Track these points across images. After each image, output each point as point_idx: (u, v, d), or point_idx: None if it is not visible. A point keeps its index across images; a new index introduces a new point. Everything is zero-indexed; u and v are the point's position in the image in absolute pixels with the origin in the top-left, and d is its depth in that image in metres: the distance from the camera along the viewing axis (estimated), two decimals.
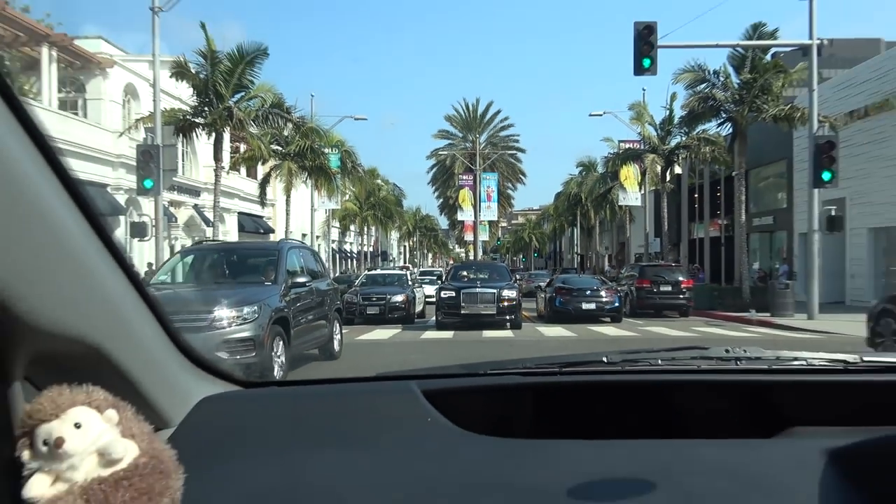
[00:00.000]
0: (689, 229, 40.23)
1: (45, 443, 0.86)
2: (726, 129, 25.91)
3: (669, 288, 21.97)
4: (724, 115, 24.67)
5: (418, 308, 22.17)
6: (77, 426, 0.87)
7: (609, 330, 17.26)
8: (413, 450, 1.20)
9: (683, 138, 30.08)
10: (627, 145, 35.21)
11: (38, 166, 0.80)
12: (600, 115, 33.90)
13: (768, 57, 24.02)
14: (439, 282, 23.61)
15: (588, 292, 19.97)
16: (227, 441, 1.20)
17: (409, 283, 22.89)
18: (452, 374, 1.60)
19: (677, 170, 35.61)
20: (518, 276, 26.36)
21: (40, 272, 0.83)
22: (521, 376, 1.53)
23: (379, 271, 28.99)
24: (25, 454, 0.87)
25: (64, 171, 0.84)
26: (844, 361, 1.51)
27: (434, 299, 21.81)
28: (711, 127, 27.34)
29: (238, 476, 1.09)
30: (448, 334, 16.25)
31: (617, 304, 19.90)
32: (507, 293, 17.65)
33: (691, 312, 21.91)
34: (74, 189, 0.87)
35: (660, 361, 1.56)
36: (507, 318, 17.51)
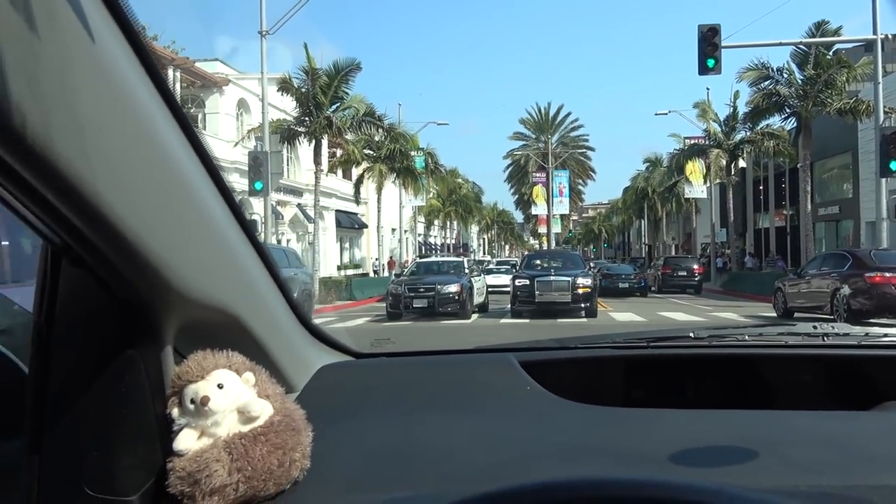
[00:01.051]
0: (755, 220, 38.45)
1: (192, 401, 0.87)
2: (790, 124, 24.60)
3: (685, 273, 28.27)
4: (787, 111, 23.43)
5: (478, 300, 18.11)
6: (220, 386, 0.88)
7: (679, 316, 16.65)
8: (515, 415, 1.17)
9: (747, 133, 28.86)
10: (693, 141, 33.96)
11: (191, 157, 0.81)
12: (665, 113, 32.78)
13: (831, 53, 22.60)
14: (514, 270, 23.04)
15: (623, 275, 26.25)
16: (346, 404, 1.21)
17: (466, 271, 18.39)
18: (546, 347, 1.57)
19: (741, 163, 34.11)
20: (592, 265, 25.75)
21: (192, 249, 0.85)
22: (611, 349, 1.48)
23: (433, 258, 26.88)
24: (175, 411, 0.88)
25: (210, 162, 0.85)
26: None
27: (503, 289, 21.94)
28: (775, 122, 26.11)
29: (357, 434, 1.09)
30: (524, 321, 15.87)
31: (643, 284, 26.34)
32: (581, 281, 16.33)
33: (718, 292, 26.63)
34: (218, 178, 0.88)
35: (746, 337, 1.47)
36: (582, 305, 16.20)
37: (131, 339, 0.84)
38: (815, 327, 1.49)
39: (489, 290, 23.08)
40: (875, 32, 17.32)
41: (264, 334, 1.06)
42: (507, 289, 22.38)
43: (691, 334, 1.48)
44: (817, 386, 1.43)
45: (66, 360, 0.84)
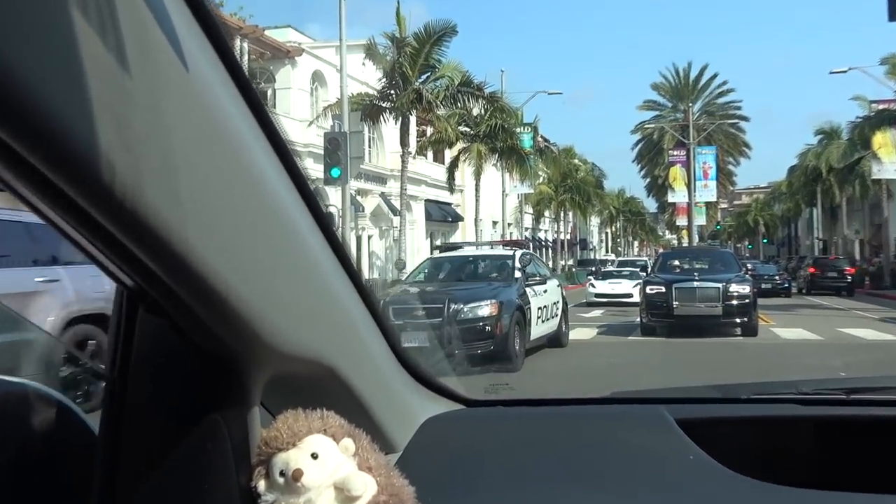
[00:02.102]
0: None
1: (282, 473, 0.88)
2: None
3: (835, 274, 32.17)
4: None
5: (541, 329, 12.36)
6: (314, 456, 0.89)
7: (865, 333, 15.60)
8: (677, 495, 1.11)
9: None
10: (882, 106, 31.94)
11: (288, 188, 0.83)
12: (844, 71, 30.99)
13: None
14: (643, 274, 21.87)
15: (766, 276, 30.28)
16: (458, 468, 1.20)
17: (515, 276, 12.18)
18: (707, 397, 1.51)
19: None
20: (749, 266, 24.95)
21: (286, 293, 0.86)
22: (797, 405, 1.38)
23: (460, 252, 15.51)
24: (262, 484, 0.89)
25: (306, 188, 0.86)
26: None
27: (623, 300, 23.12)
28: None
29: None
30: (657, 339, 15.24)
31: (787, 285, 31.19)
32: (736, 288, 15.08)
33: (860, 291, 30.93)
34: (313, 203, 0.89)
35: None
36: (738, 320, 15.10)
37: (214, 399, 0.86)
38: None
39: (602, 299, 25.79)
40: None
41: (365, 385, 1.07)
42: (629, 300, 23.69)
43: None
44: None
45: (140, 421, 0.87)
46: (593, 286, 27.77)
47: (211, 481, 0.87)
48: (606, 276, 29.38)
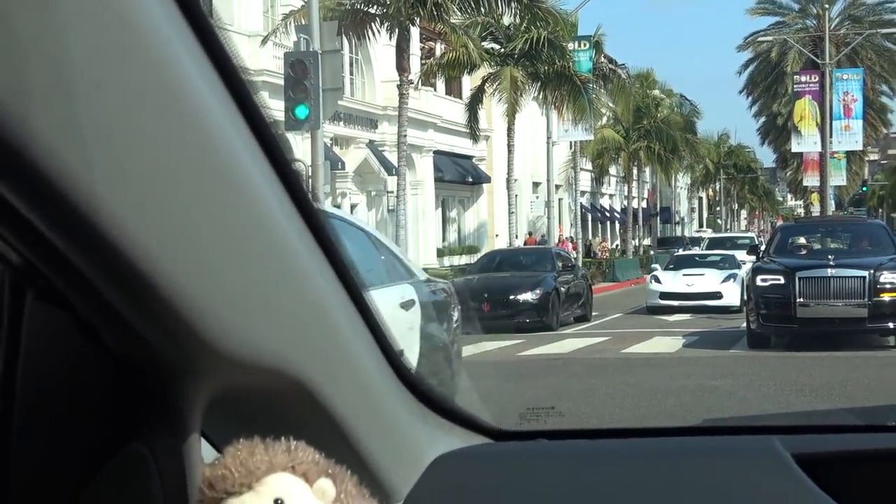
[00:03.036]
0: None
1: None
2: None
3: None
4: None
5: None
6: (277, 503, 0.92)
7: None
8: None
9: None
10: None
11: (227, 109, 0.86)
12: None
13: None
14: (748, 260, 21.88)
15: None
16: None
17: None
18: (834, 424, 1.55)
19: None
20: None
21: (234, 275, 0.89)
22: None
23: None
24: None
25: (261, 119, 0.89)
26: None
27: (701, 302, 22.42)
28: None
29: None
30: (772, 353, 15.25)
31: None
32: (890, 277, 15.08)
33: None
34: (272, 146, 0.92)
35: None
36: (891, 325, 15.06)
37: (134, 423, 0.90)
38: None
39: (672, 302, 23.58)
40: None
41: (347, 407, 1.10)
42: (716, 302, 22.81)
43: None
44: None
45: (30, 454, 0.91)
46: (658, 281, 24.83)
47: None
48: (680, 264, 26.37)
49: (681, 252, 31.67)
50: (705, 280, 23.90)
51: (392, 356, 1.26)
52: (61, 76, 0.66)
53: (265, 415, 1.02)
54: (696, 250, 33.23)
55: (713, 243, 34.57)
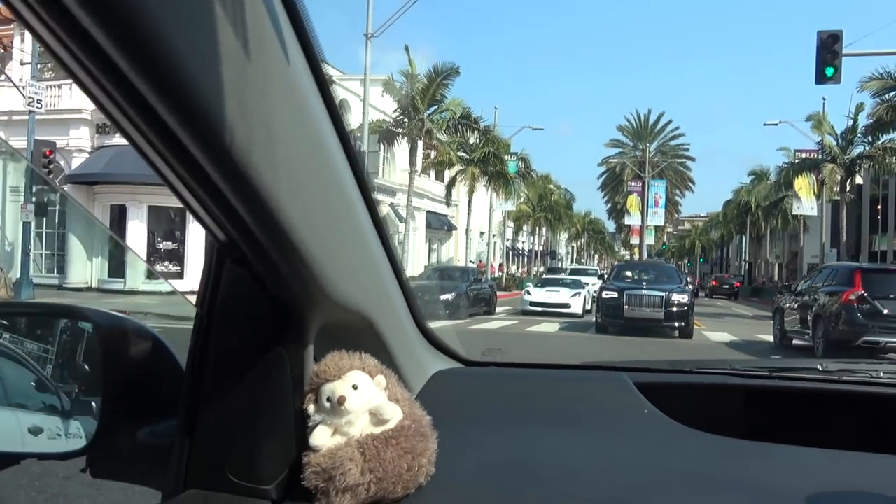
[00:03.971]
0: (871, 241, 35.85)
1: (329, 399, 0.91)
2: None
3: (727, 286, 44.48)
4: None
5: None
6: (354, 387, 0.91)
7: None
8: (634, 439, 1.14)
9: (867, 148, 26.95)
10: (804, 155, 32.08)
11: (347, 168, 0.86)
12: (776, 124, 31.25)
13: None
14: (589, 282, 22.69)
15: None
16: (461, 412, 1.22)
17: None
18: (660, 368, 1.53)
19: (858, 180, 31.88)
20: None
21: (344, 254, 0.89)
22: (730, 376, 1.42)
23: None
24: (311, 408, 0.92)
25: (361, 172, 0.89)
26: None
27: (554, 309, 19.98)
28: None
29: (474, 444, 1.10)
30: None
31: (696, 291, 27.30)
32: (677, 297, 14.92)
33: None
34: (365, 186, 0.92)
35: (882, 374, 1.37)
36: (676, 324, 14.81)
37: (280, 337, 0.89)
38: None
39: (537, 308, 20.42)
40: None
41: (391, 338, 1.09)
42: (566, 310, 20.15)
43: (819, 366, 1.40)
44: None
45: (220, 351, 0.90)
46: (529, 294, 22.02)
47: (274, 403, 0.90)
48: (546, 283, 23.57)
49: (547, 276, 29.45)
50: (559, 295, 21.24)
51: (413, 307, 1.24)
52: (270, 133, 0.66)
53: (346, 337, 1.01)
54: (561, 275, 30.60)
55: (574, 272, 32.31)
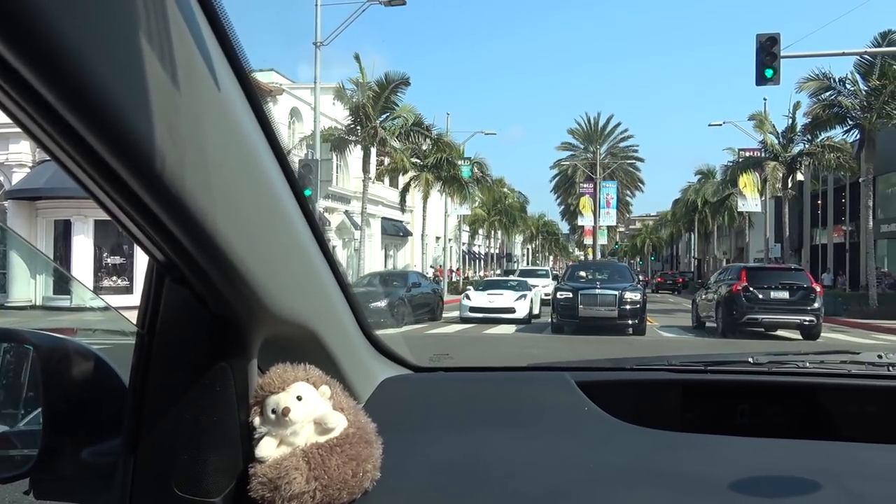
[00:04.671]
0: (812, 235, 37.27)
1: (274, 411, 0.93)
2: (852, 136, 23.89)
3: (672, 281, 49.28)
4: (850, 122, 22.77)
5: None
6: (299, 398, 0.93)
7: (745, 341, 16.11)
8: (575, 436, 1.19)
9: (806, 146, 28.08)
10: (748, 153, 33.17)
11: (284, 184, 0.88)
12: (720, 124, 32.14)
13: None
14: (539, 283, 21.91)
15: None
16: (409, 417, 1.25)
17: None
18: (601, 367, 1.58)
19: (799, 177, 33.15)
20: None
21: (284, 269, 0.91)
22: (667, 372, 1.48)
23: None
24: (257, 420, 0.94)
25: (297, 187, 0.91)
26: None
27: (496, 315, 18.08)
28: (836, 134, 25.36)
29: (421, 448, 1.13)
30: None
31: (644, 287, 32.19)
32: (629, 295, 15.07)
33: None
34: (303, 201, 0.94)
35: (808, 364, 1.45)
36: (630, 322, 15.00)
37: (223, 353, 0.91)
38: (879, 357, 1.46)
39: (477, 314, 18.37)
40: None
41: (336, 349, 1.11)
42: (509, 315, 18.27)
43: (750, 359, 1.47)
44: (883, 418, 1.40)
45: (163, 369, 0.91)
46: (468, 298, 19.67)
47: (218, 417, 0.91)
48: (488, 286, 21.10)
49: (490, 277, 27.51)
50: (503, 298, 19.02)
51: (359, 316, 1.26)
52: (203, 157, 0.68)
53: (290, 351, 1.02)
54: (504, 276, 28.99)
55: (523, 273, 30.16)
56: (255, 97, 0.79)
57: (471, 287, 23.22)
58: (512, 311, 18.63)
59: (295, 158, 22.14)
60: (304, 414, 0.93)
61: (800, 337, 14.91)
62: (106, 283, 21.76)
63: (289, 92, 28.36)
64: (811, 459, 1.07)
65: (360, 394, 1.25)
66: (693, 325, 17.64)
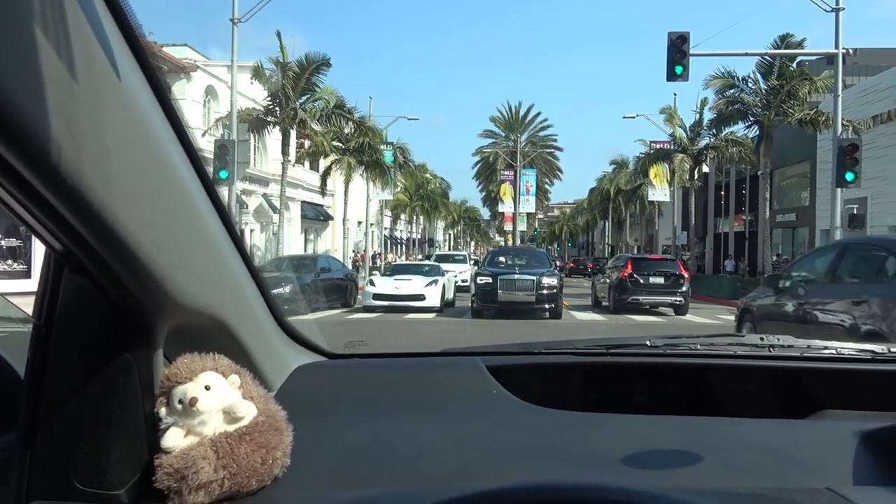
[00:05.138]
0: (715, 224, 39.40)
1: (181, 401, 0.92)
2: (753, 132, 25.43)
3: (583, 267, 48.90)
4: (751, 119, 24.25)
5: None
6: (207, 388, 0.93)
7: (637, 317, 16.94)
8: (482, 418, 1.24)
9: (712, 139, 29.68)
10: (658, 145, 34.63)
11: (188, 167, 0.86)
12: (633, 117, 33.26)
13: (795, 65, 23.40)
14: (455, 268, 21.66)
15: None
16: (321, 404, 1.26)
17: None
18: (511, 352, 1.63)
19: (705, 168, 34.95)
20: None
21: (189, 258, 0.89)
22: (572, 356, 1.55)
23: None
24: (163, 410, 0.93)
25: (203, 170, 0.90)
26: (872, 352, 1.50)
27: (401, 302, 16.39)
28: (739, 129, 27.00)
29: (333, 433, 1.14)
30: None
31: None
32: (547, 280, 15.42)
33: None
34: (212, 190, 0.93)
35: (699, 346, 1.56)
36: (547, 306, 15.36)
37: (126, 343, 0.89)
38: (761, 339, 1.58)
39: (382, 302, 16.52)
40: (837, 47, 17.89)
41: (247, 337, 1.11)
42: (418, 303, 16.71)
43: (648, 342, 1.56)
44: (762, 395, 1.52)
45: (62, 361, 0.88)
46: (372, 284, 17.66)
47: (121, 408, 0.90)
48: (396, 270, 19.46)
49: (397, 262, 24.36)
50: (412, 284, 17.28)
51: (271, 304, 1.25)
52: (103, 148, 0.67)
53: (199, 340, 1.01)
54: (412, 261, 26.20)
55: (439, 258, 27.13)
56: (161, 88, 0.78)
57: (376, 273, 21.40)
58: (421, 298, 16.91)
59: (211, 139, 21.35)
60: (213, 403, 0.93)
61: (673, 314, 17.79)
62: (1, 266, 20.36)
63: (203, 69, 27.20)
64: (696, 434, 1.16)
65: (272, 382, 1.25)
66: (591, 304, 20.40)
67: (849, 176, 16.81)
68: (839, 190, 17.73)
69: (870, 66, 37.20)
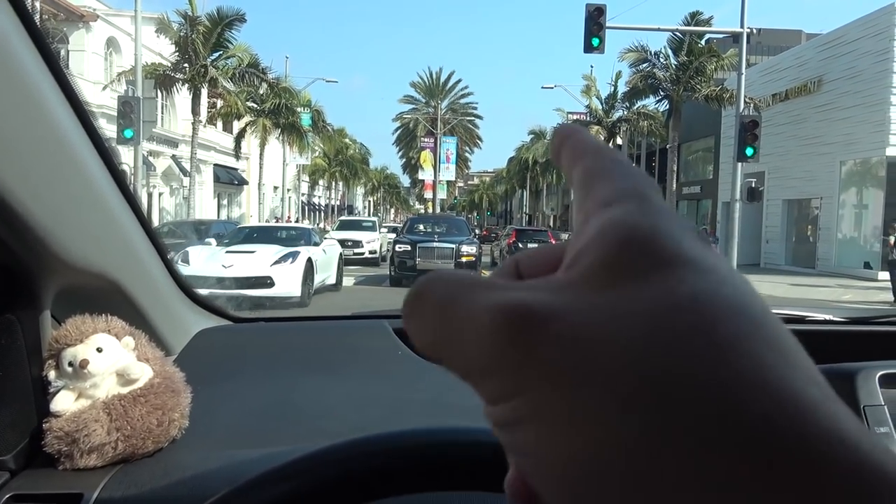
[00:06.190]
0: None
1: (71, 364, 0.89)
2: (663, 106, 26.37)
3: (495, 235, 42.14)
4: (662, 93, 25.08)
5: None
6: (99, 350, 0.91)
7: None
8: (386, 377, 1.27)
9: (625, 112, 30.58)
10: (575, 116, 35.47)
11: (73, 120, 0.83)
12: (552, 87, 33.93)
13: (703, 42, 24.39)
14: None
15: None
16: (224, 366, 1.26)
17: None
18: None
19: (619, 140, 36.08)
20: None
21: (75, 216, 0.86)
22: None
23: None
24: (52, 374, 0.90)
25: (91, 124, 0.86)
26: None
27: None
28: (650, 103, 27.87)
29: (235, 395, 1.14)
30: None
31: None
32: (466, 248, 15.70)
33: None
34: (98, 140, 0.89)
35: None
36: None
37: (8, 304, 0.85)
38: None
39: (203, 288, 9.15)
40: (742, 26, 18.79)
41: (143, 299, 1.09)
42: (255, 291, 9.21)
43: None
44: None
45: None
46: (186, 262, 10.01)
47: (5, 371, 0.87)
48: (238, 237, 12.98)
49: (243, 224, 17.31)
50: (252, 262, 10.46)
51: (173, 271, 1.23)
52: None
53: (93, 302, 0.98)
54: (269, 224, 20.91)
55: (343, 224, 22.94)
56: (37, 31, 0.74)
57: (199, 246, 11.55)
58: (266, 281, 10.27)
59: (114, 95, 20.10)
60: (105, 366, 0.91)
61: None
62: None
63: (104, 19, 25.42)
64: None
65: (172, 345, 1.23)
66: (490, 266, 24.08)
67: (749, 151, 17.82)
68: (740, 164, 18.81)
69: (772, 47, 39.30)
